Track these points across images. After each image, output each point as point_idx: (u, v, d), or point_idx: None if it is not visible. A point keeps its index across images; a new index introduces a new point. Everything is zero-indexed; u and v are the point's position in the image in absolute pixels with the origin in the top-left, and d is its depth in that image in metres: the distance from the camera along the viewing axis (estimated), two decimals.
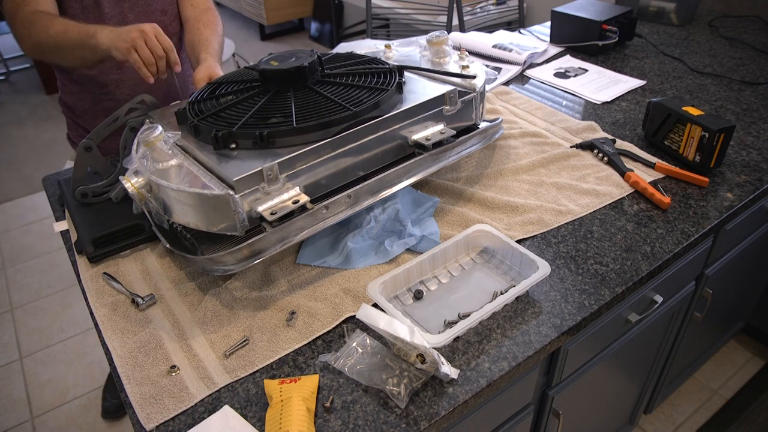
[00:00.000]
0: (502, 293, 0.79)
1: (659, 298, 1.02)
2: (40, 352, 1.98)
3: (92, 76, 1.23)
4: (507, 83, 1.44)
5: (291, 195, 0.79)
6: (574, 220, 0.96)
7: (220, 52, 1.20)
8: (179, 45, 1.31)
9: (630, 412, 1.42)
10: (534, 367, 0.84)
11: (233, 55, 3.10)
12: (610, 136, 1.16)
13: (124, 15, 1.20)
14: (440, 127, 0.94)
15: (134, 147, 0.90)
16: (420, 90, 0.95)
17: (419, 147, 0.91)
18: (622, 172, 1.05)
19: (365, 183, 0.84)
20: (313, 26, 4.39)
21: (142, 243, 0.94)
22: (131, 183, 0.82)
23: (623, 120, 1.25)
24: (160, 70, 1.01)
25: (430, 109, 0.93)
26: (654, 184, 1.03)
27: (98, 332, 0.79)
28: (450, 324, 0.77)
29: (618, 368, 1.15)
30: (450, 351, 0.74)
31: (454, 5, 2.33)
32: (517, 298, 0.81)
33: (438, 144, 0.91)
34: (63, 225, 1.00)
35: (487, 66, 1.50)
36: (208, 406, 0.69)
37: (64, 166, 1.33)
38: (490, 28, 2.37)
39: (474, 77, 1.02)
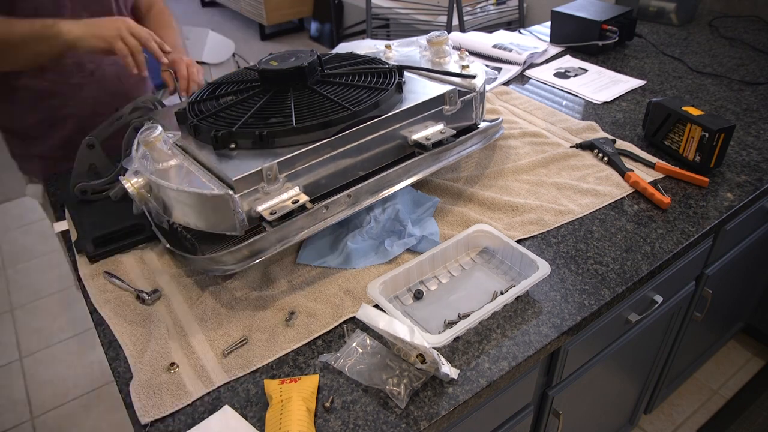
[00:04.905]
0: (502, 293, 0.79)
1: (659, 298, 1.02)
2: (40, 352, 1.98)
3: (44, 86, 1.11)
4: (507, 83, 1.44)
5: (290, 195, 0.79)
6: (574, 220, 0.96)
7: (182, 44, 1.20)
8: None
9: (630, 412, 1.42)
10: (534, 367, 0.84)
11: (233, 55, 3.09)
12: (610, 136, 1.16)
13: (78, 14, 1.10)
14: (440, 126, 0.94)
15: (134, 147, 0.90)
16: (420, 90, 0.95)
17: (419, 147, 0.91)
18: (622, 172, 1.05)
19: (365, 183, 0.84)
20: (313, 26, 4.39)
21: (142, 243, 0.94)
22: (131, 183, 0.82)
23: (623, 120, 1.25)
24: (140, 63, 0.99)
25: (430, 108, 0.93)
26: (654, 184, 1.03)
27: (98, 332, 0.79)
28: (450, 324, 0.77)
29: (618, 368, 1.15)
30: (450, 351, 0.74)
31: (454, 5, 2.33)
32: (517, 298, 0.81)
33: (438, 144, 0.91)
34: (63, 225, 1.00)
35: (487, 66, 1.50)
36: (208, 406, 0.69)
37: (25, 193, 1.26)
38: (490, 28, 2.37)
39: (474, 77, 1.01)
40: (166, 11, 1.30)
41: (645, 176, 1.04)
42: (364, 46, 1.22)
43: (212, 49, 2.94)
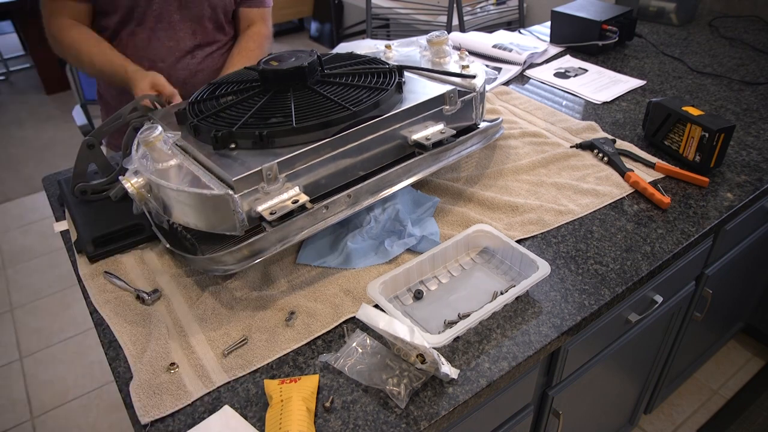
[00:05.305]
0: (502, 293, 0.79)
1: (659, 298, 1.02)
2: (40, 352, 1.98)
3: None
4: (507, 83, 1.44)
5: (290, 195, 0.79)
6: (574, 220, 0.96)
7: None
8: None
9: (630, 412, 1.42)
10: (534, 367, 0.84)
11: None
12: (610, 136, 1.16)
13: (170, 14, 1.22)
14: (440, 126, 0.94)
15: (134, 147, 0.90)
16: (420, 90, 0.95)
17: (419, 147, 0.91)
18: (622, 172, 1.05)
19: (365, 183, 0.84)
20: (313, 26, 4.39)
21: (142, 243, 0.94)
22: (131, 183, 0.82)
23: (623, 120, 1.25)
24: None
25: (430, 108, 0.93)
26: (654, 184, 1.03)
27: (98, 332, 0.79)
28: (450, 324, 0.77)
29: (618, 368, 1.15)
30: (450, 351, 0.74)
31: (454, 5, 2.33)
32: (517, 298, 0.81)
33: (438, 144, 0.91)
34: (63, 225, 1.00)
35: (487, 66, 1.50)
36: (208, 406, 0.69)
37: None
38: (490, 28, 2.37)
39: (474, 77, 1.01)
40: (261, 35, 1.33)
41: (645, 176, 1.04)
42: (364, 46, 1.22)
43: None
